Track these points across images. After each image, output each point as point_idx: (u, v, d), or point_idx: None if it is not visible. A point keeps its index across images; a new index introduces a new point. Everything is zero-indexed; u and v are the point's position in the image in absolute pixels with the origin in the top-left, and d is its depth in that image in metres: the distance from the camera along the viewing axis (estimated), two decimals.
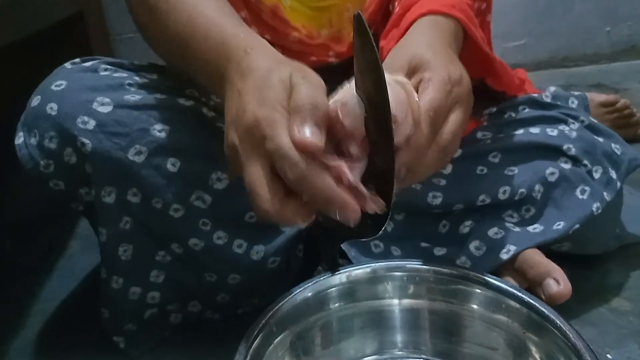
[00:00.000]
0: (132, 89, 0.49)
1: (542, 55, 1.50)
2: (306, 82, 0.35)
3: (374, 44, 0.35)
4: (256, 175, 0.34)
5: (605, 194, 0.56)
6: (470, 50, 0.52)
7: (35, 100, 0.47)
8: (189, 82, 0.53)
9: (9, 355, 0.55)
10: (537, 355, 0.42)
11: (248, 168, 0.34)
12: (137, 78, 0.50)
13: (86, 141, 0.45)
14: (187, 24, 0.43)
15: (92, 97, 0.47)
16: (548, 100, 0.64)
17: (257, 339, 0.39)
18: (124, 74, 0.50)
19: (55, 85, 0.47)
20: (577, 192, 0.56)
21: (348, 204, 0.33)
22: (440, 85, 0.39)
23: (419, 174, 0.38)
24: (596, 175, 0.57)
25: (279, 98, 0.34)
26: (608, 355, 0.50)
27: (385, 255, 0.55)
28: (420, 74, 0.40)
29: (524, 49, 1.48)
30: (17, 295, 0.64)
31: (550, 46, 1.50)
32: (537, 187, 0.55)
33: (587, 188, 0.56)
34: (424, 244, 0.56)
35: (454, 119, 0.39)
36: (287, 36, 0.58)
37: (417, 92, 0.39)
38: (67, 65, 0.51)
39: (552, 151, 0.57)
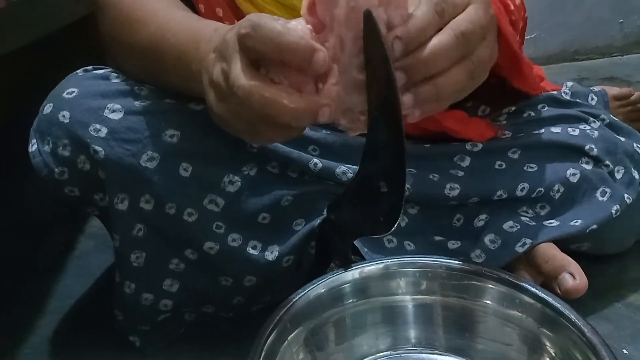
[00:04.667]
0: (143, 94, 0.49)
1: (553, 49, 1.49)
2: None
3: (383, 39, 0.35)
4: (237, 68, 0.34)
5: (626, 195, 0.56)
6: (499, 47, 0.51)
7: (47, 108, 0.48)
8: None
9: (26, 352, 0.56)
10: (551, 351, 0.41)
11: (231, 69, 0.34)
12: (147, 84, 0.50)
13: (99, 149, 0.46)
14: (157, 31, 0.46)
15: (103, 104, 0.47)
16: (567, 97, 0.64)
17: (272, 335, 0.39)
18: (135, 81, 0.51)
19: (67, 93, 0.48)
20: (598, 194, 0.55)
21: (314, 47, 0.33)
22: None
23: (442, 80, 0.35)
24: (618, 176, 0.57)
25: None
26: (624, 351, 0.49)
27: (399, 250, 0.55)
28: None
29: (535, 43, 1.47)
30: (33, 294, 0.65)
31: (561, 39, 1.49)
32: (557, 186, 0.55)
33: (607, 190, 0.55)
34: (437, 238, 0.56)
35: (472, 10, 0.36)
36: None
37: None
38: (79, 72, 0.52)
39: (573, 151, 0.57)
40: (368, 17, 0.35)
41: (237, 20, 0.53)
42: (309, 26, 0.34)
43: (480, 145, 0.57)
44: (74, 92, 0.48)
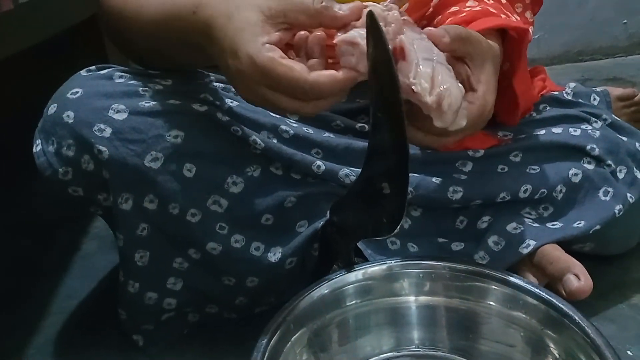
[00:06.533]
0: (147, 95, 0.50)
1: (556, 50, 1.48)
2: None
3: (387, 42, 0.35)
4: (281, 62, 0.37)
5: (629, 195, 0.55)
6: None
7: (51, 108, 0.48)
8: (204, 87, 0.53)
9: (31, 352, 0.56)
10: (555, 352, 0.41)
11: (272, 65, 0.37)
12: (151, 84, 0.51)
13: (103, 148, 0.46)
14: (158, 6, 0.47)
15: (107, 104, 0.47)
16: (569, 97, 0.64)
17: (275, 336, 0.39)
18: (139, 81, 0.51)
19: (71, 93, 0.48)
20: (600, 194, 0.55)
21: None
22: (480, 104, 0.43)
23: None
24: (620, 176, 0.57)
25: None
26: (628, 352, 0.49)
27: (402, 252, 0.55)
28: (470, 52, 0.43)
29: (538, 43, 1.46)
30: (37, 295, 0.65)
31: (565, 40, 1.48)
32: (559, 187, 0.55)
33: (610, 189, 0.55)
34: (441, 240, 0.56)
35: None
36: None
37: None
38: (83, 72, 0.52)
39: (575, 151, 0.57)
40: (371, 19, 0.35)
41: None
42: None
43: (482, 151, 0.57)
44: (78, 92, 0.48)
